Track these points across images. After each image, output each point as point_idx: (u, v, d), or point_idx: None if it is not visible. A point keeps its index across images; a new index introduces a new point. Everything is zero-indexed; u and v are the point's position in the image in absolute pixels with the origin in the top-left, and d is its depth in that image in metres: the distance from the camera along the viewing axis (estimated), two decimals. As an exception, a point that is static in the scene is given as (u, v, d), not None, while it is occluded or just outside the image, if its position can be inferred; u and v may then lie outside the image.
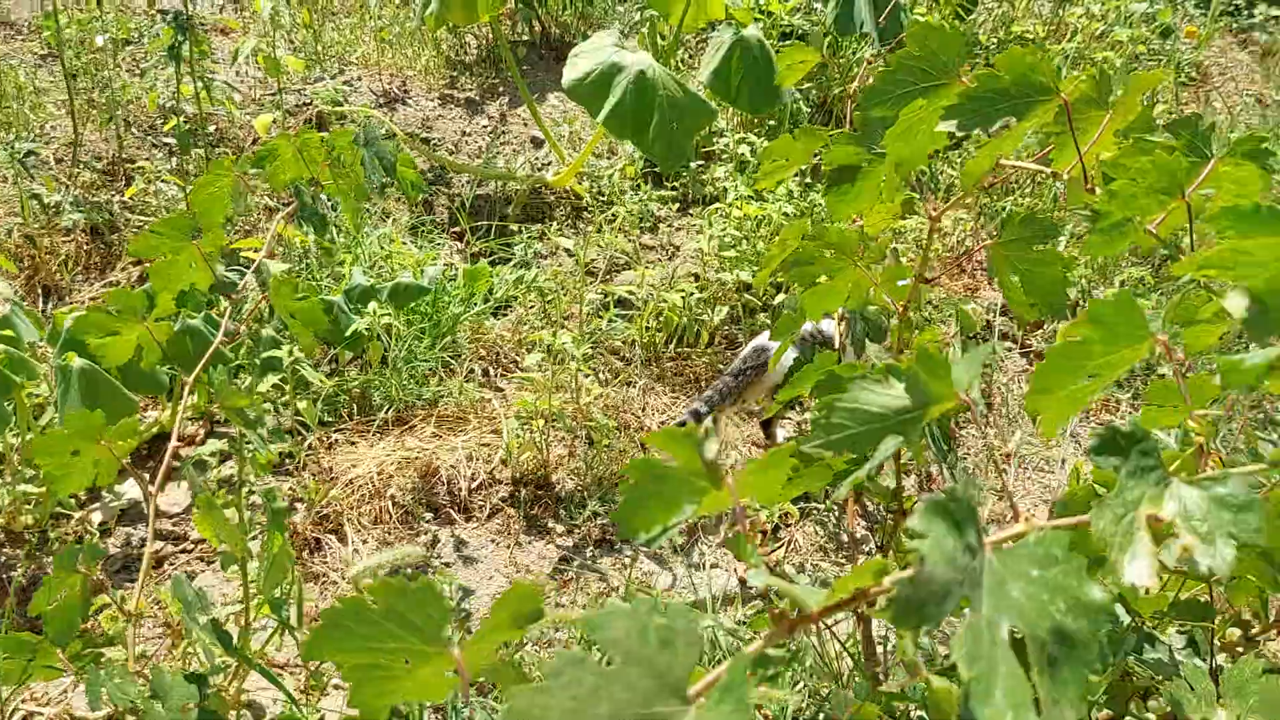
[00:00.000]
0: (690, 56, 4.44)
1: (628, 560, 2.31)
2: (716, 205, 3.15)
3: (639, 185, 3.51)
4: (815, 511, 2.54)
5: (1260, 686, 1.20)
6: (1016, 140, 1.03)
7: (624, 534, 0.76)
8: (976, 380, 0.70)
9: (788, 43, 4.06)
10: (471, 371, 2.71)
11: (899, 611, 0.54)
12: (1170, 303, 0.75)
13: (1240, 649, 1.51)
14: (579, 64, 3.03)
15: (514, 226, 3.32)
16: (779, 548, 2.46)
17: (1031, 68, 0.98)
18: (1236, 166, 0.94)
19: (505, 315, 2.96)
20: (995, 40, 5.07)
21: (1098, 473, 1.12)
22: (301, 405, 2.39)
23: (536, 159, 3.75)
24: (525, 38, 4.43)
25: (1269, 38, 5.79)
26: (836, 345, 1.65)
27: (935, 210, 1.34)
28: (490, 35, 4.32)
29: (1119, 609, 1.50)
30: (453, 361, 2.72)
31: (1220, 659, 1.49)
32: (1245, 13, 5.98)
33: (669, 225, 3.50)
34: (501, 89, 4.10)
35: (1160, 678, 1.32)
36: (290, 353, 2.31)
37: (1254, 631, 1.48)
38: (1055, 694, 0.59)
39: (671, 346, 2.92)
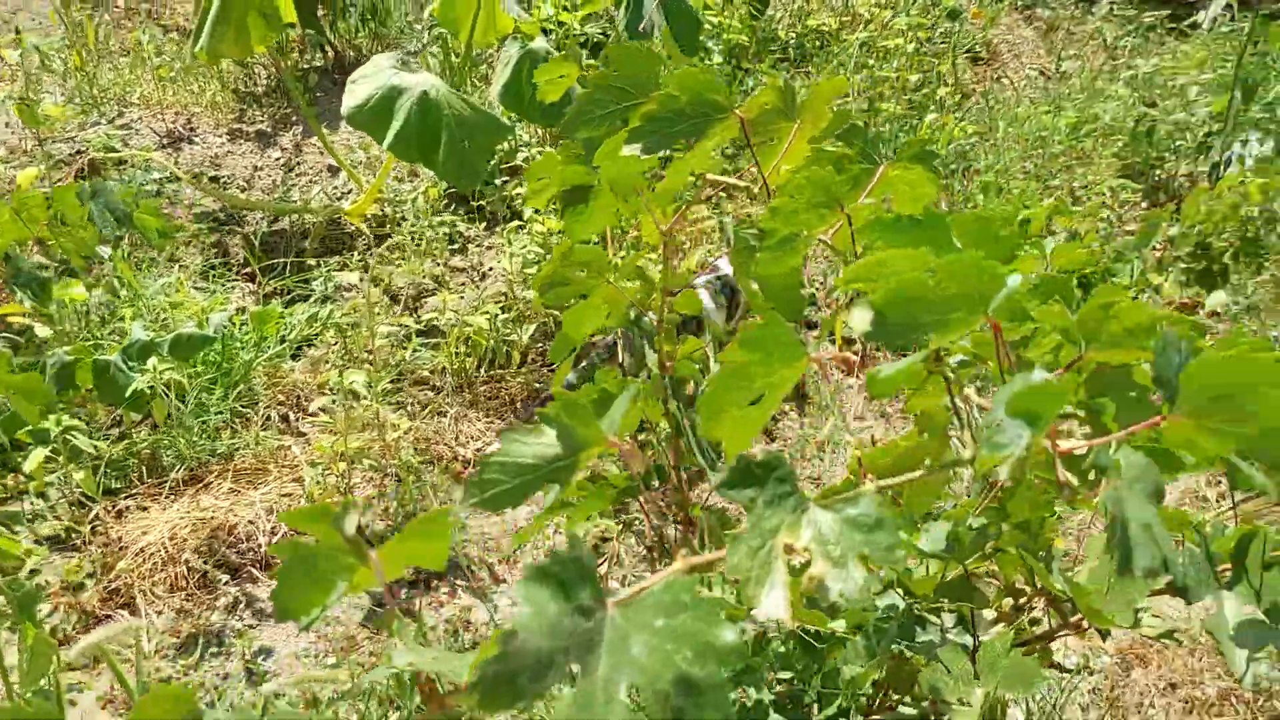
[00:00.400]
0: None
1: (444, 598, 2.26)
2: (516, 222, 3.12)
3: (445, 206, 3.44)
4: (637, 522, 2.53)
5: (1008, 661, 1.24)
6: (705, 157, 1.02)
7: (282, 618, 0.72)
8: (625, 421, 0.69)
9: (583, 52, 4.06)
10: (269, 419, 2.60)
11: (485, 692, 0.51)
12: (825, 319, 0.75)
13: (1013, 618, 1.56)
14: (358, 90, 2.94)
15: (312, 261, 3.21)
16: (601, 563, 2.44)
17: (706, 86, 0.98)
18: (906, 170, 0.95)
19: (307, 355, 2.86)
20: (794, 35, 5.18)
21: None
22: (79, 476, 2.25)
23: (335, 188, 3.64)
24: (317, 63, 4.31)
25: (1051, 13, 6.09)
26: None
27: (666, 228, 1.33)
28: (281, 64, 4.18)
29: (895, 594, 1.52)
30: (249, 410, 2.61)
31: (997, 629, 1.53)
32: (1027, -10, 6.28)
33: (478, 245, 3.44)
34: (295, 119, 3.97)
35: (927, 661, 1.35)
36: (59, 421, 2.17)
37: (1023, 600, 1.53)
38: (683, 748, 0.57)
39: (483, 370, 2.87)
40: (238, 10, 3.11)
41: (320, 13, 4.29)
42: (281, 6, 3.21)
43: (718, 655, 0.59)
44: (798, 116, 1.06)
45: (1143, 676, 2.30)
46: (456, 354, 2.82)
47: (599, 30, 4.10)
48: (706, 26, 4.34)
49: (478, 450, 2.69)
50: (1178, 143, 4.20)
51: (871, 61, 4.77)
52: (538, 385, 2.91)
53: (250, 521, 2.30)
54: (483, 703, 0.51)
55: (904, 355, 0.73)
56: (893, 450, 1.12)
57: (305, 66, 4.29)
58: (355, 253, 3.31)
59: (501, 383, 2.87)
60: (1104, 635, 1.35)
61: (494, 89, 3.38)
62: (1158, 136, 4.20)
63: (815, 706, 1.46)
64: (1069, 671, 2.30)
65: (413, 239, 3.15)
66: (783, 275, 0.92)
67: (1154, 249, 3.38)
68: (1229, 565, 1.21)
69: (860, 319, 0.68)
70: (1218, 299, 2.98)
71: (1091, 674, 2.30)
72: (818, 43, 5.09)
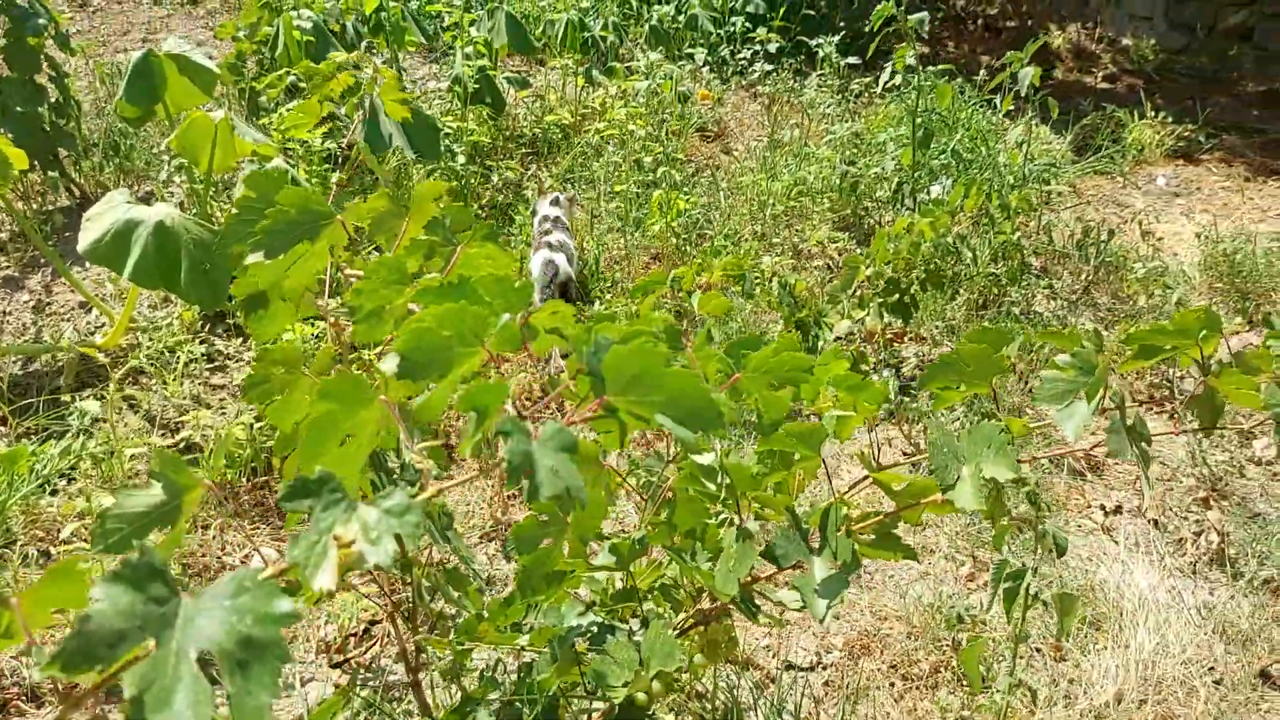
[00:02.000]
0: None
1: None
2: (266, 334, 3.25)
3: (201, 327, 3.54)
4: (406, 601, 2.67)
5: (660, 644, 1.47)
6: (322, 257, 1.24)
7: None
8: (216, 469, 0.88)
9: (325, 168, 4.25)
10: (28, 555, 2.63)
11: (67, 660, 0.69)
12: (376, 368, 0.97)
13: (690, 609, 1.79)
14: (93, 227, 3.03)
15: (67, 397, 3.24)
16: (372, 645, 2.57)
17: (310, 200, 1.20)
18: (481, 247, 1.20)
19: (64, 489, 2.89)
20: (538, 130, 5.53)
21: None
22: None
23: (88, 323, 3.68)
24: (64, 204, 4.34)
25: (772, 88, 6.69)
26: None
27: (336, 323, 1.54)
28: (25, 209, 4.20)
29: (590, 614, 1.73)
30: (7, 550, 2.63)
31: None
32: (750, 70, 6.88)
33: (237, 361, 3.55)
34: (43, 260, 3.99)
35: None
36: None
37: (703, 601, 1.78)
38: (249, 688, 0.75)
39: (246, 480, 2.97)
40: (-39, 163, 3.16)
41: (62, 154, 4.34)
42: (11, 156, 3.28)
43: (275, 620, 0.78)
44: (409, 214, 1.30)
45: (869, 663, 2.59)
46: (215, 467, 2.91)
47: (340, 146, 4.31)
48: (447, 131, 4.62)
49: (244, 558, 2.78)
50: (878, 192, 4.72)
51: (610, 148, 5.16)
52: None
53: (13, 656, 2.33)
54: (64, 668, 0.69)
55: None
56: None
57: (50, 208, 4.31)
58: (111, 384, 3.36)
59: (266, 489, 2.98)
60: (753, 614, 1.60)
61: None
62: (860, 189, 4.71)
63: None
64: (805, 670, 2.57)
65: (165, 362, 3.23)
66: (379, 342, 1.13)
67: (861, 289, 3.81)
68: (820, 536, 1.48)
69: (389, 364, 0.91)
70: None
71: (825, 669, 2.58)
72: (560, 135, 5.46)
